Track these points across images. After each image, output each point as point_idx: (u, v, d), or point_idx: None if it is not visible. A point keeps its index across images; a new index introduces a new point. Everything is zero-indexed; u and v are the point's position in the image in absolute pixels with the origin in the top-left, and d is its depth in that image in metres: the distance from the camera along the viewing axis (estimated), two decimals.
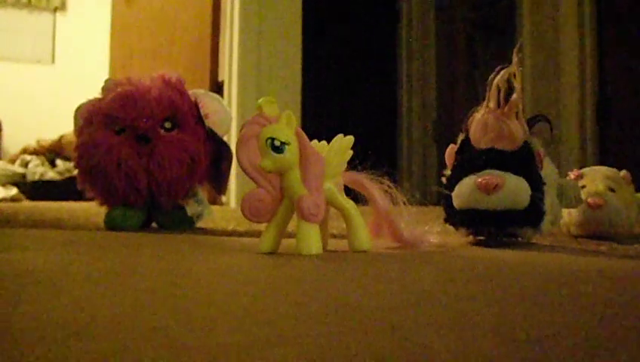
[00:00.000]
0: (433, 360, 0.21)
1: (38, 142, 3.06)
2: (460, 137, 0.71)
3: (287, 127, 0.55)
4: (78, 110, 0.95)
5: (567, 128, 2.17)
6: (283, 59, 2.22)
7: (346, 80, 2.85)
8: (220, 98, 1.00)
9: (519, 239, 0.69)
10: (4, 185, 2.67)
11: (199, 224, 0.98)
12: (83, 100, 0.95)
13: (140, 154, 0.87)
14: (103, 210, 0.94)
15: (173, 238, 0.75)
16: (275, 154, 0.53)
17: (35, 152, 3.01)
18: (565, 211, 0.79)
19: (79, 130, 0.93)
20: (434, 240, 0.65)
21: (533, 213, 0.65)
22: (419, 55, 2.96)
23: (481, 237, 0.69)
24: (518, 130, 0.65)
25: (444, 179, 0.71)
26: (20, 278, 0.40)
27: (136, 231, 0.86)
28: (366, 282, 0.40)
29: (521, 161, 0.65)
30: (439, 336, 0.25)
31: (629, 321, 0.30)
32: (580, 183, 0.81)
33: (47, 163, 2.94)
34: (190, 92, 0.96)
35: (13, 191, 2.61)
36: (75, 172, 0.95)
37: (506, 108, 0.66)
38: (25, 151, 3.03)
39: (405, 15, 3.00)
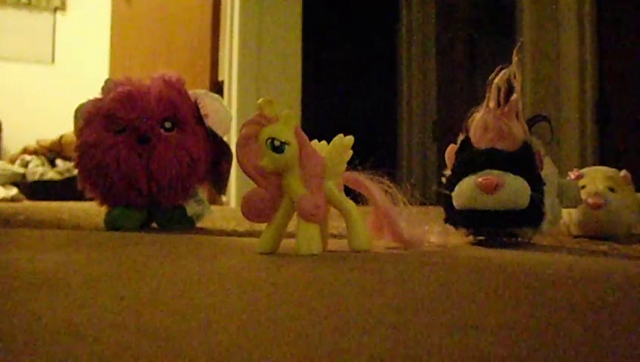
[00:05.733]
0: (433, 360, 0.21)
1: (38, 142, 3.06)
2: (460, 137, 0.71)
3: (286, 127, 0.55)
4: (78, 110, 0.94)
5: (567, 128, 2.17)
6: (283, 59, 2.22)
7: (346, 80, 2.85)
8: (220, 98, 1.00)
9: (519, 239, 0.69)
10: (4, 185, 2.67)
11: (199, 224, 0.98)
12: (83, 100, 0.95)
13: (140, 154, 0.87)
14: (103, 210, 0.94)
15: (173, 238, 0.75)
16: (275, 154, 0.53)
17: (35, 152, 3.00)
18: (565, 211, 0.79)
19: (79, 130, 0.93)
20: (434, 240, 0.65)
21: (533, 213, 0.65)
22: (419, 55, 2.96)
23: (481, 237, 0.69)
24: (518, 130, 0.65)
25: (444, 179, 0.71)
26: (20, 278, 0.40)
27: (137, 231, 0.86)
28: (366, 282, 0.40)
29: (521, 161, 0.65)
30: (439, 336, 0.25)
31: (629, 321, 0.30)
32: (580, 183, 0.81)
33: (47, 163, 2.94)
34: (190, 92, 0.96)
35: (13, 191, 2.61)
36: (75, 172, 0.95)
37: (506, 108, 0.66)
38: (25, 151, 3.03)
39: (405, 15, 3.00)
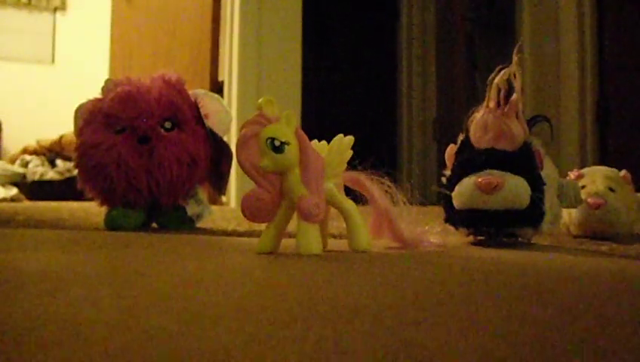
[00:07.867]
0: (433, 360, 0.21)
1: (38, 142, 3.06)
2: (460, 137, 0.71)
3: (287, 127, 0.55)
4: (78, 110, 0.94)
5: (567, 128, 2.17)
6: (283, 59, 2.22)
7: (346, 80, 2.85)
8: (220, 98, 1.00)
9: (519, 239, 0.69)
10: (4, 185, 2.66)
11: (199, 224, 0.98)
12: (83, 100, 0.95)
13: (140, 154, 0.87)
14: (103, 210, 0.94)
15: (173, 238, 0.75)
16: (275, 154, 0.53)
17: (35, 152, 3.00)
18: (565, 211, 0.79)
19: (79, 130, 0.93)
20: (434, 240, 0.65)
21: (533, 213, 0.65)
22: (419, 55, 2.96)
23: (481, 237, 0.69)
24: (518, 130, 0.65)
25: (444, 179, 0.71)
26: (20, 278, 0.40)
27: (137, 231, 0.86)
28: (366, 282, 0.40)
29: (521, 161, 0.65)
30: (439, 336, 0.25)
31: (629, 321, 0.30)
32: (580, 183, 0.81)
33: (47, 163, 2.93)
34: (190, 92, 0.96)
35: (13, 191, 2.61)
36: (75, 172, 0.95)
37: (506, 108, 0.66)
38: (25, 151, 3.02)
39: (405, 15, 3.00)
